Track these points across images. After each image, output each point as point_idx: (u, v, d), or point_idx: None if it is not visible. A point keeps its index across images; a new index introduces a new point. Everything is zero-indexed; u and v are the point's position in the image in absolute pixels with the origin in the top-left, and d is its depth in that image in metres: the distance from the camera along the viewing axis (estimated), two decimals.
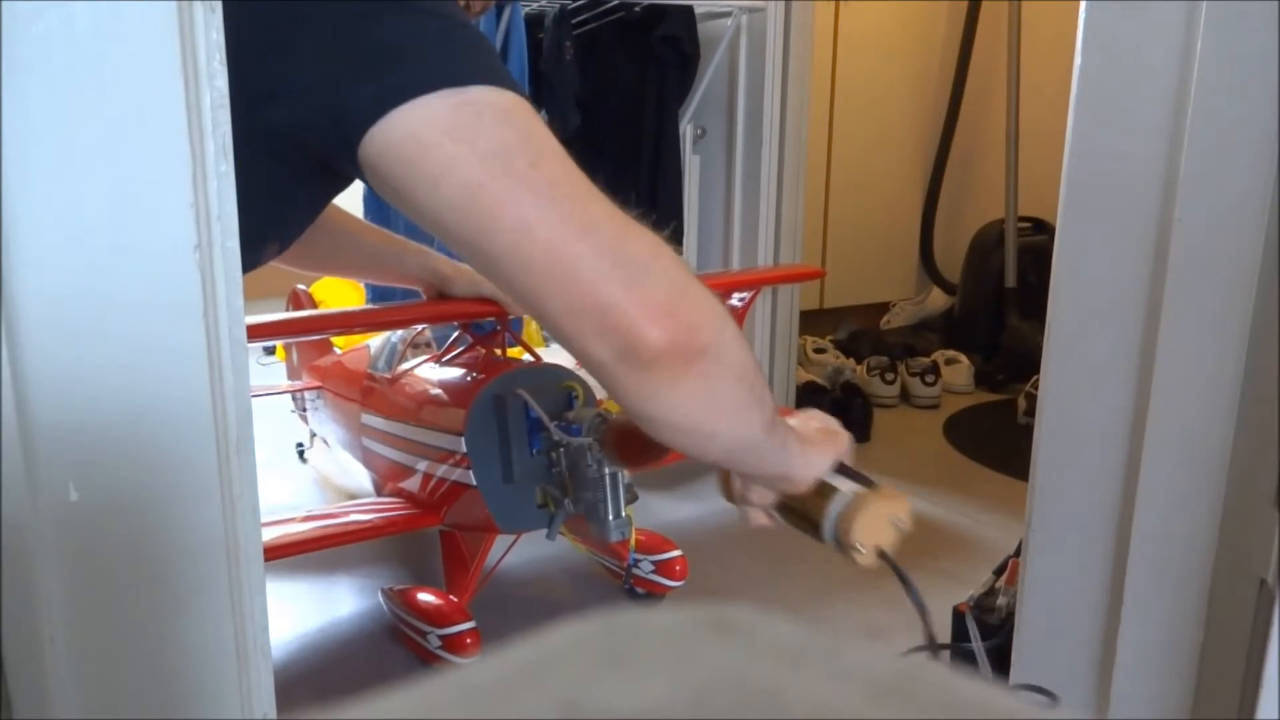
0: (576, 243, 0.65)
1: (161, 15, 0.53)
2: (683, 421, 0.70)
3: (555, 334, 0.69)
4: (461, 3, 0.94)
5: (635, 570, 1.61)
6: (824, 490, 0.80)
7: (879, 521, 0.80)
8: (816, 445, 0.80)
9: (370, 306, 1.93)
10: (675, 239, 2.39)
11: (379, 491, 1.72)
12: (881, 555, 0.81)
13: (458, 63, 0.67)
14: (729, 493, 0.89)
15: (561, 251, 0.64)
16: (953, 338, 3.10)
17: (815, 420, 0.84)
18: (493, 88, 0.67)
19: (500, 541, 1.54)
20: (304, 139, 0.72)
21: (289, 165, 0.75)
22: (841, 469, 0.81)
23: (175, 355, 0.57)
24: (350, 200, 1.24)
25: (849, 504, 0.79)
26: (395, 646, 1.50)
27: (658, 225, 2.43)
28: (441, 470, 1.46)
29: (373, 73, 0.67)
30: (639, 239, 0.67)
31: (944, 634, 1.44)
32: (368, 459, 1.73)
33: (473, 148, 0.65)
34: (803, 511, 0.82)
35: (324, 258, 1.37)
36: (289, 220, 0.87)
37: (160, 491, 0.58)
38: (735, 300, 1.92)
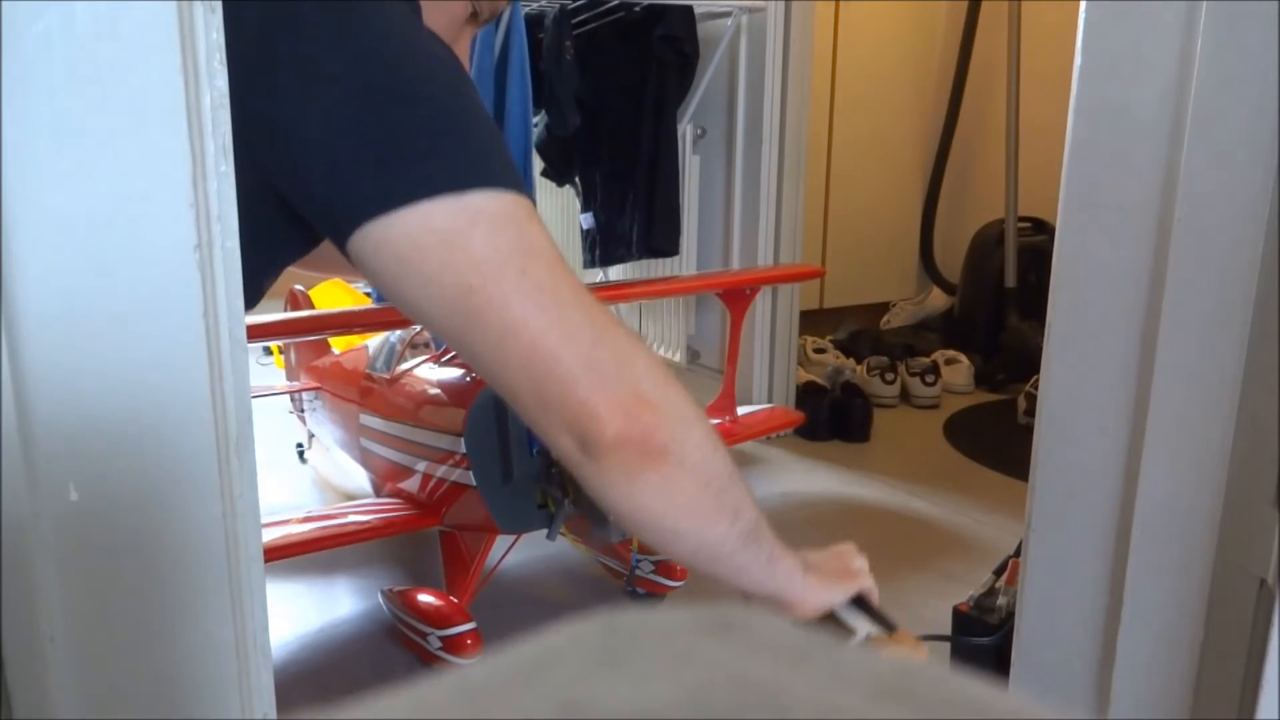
0: (556, 348, 0.68)
1: (161, 15, 0.53)
2: (638, 515, 0.73)
3: (524, 418, 0.73)
4: (471, 9, 0.94)
5: (636, 570, 1.61)
6: (836, 627, 0.78)
7: None
8: (826, 576, 0.80)
9: (369, 307, 1.93)
10: (669, 245, 2.39)
11: (378, 492, 1.72)
12: None
13: (459, 165, 0.69)
14: None
15: (541, 354, 0.69)
16: (953, 338, 3.10)
17: (842, 557, 0.83)
18: (491, 191, 0.69)
19: (500, 542, 1.54)
20: (301, 211, 0.74)
21: (272, 206, 0.76)
22: (862, 605, 0.79)
23: (175, 355, 0.57)
24: None
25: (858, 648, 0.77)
26: (395, 647, 1.50)
27: (654, 227, 2.41)
28: (441, 471, 1.46)
29: (374, 169, 0.69)
30: (613, 342, 0.70)
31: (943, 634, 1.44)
32: (366, 460, 1.73)
33: (466, 255, 0.68)
34: None
35: (330, 260, 1.37)
36: (278, 260, 0.88)
37: (160, 491, 0.58)
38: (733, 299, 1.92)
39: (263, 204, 0.74)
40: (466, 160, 0.70)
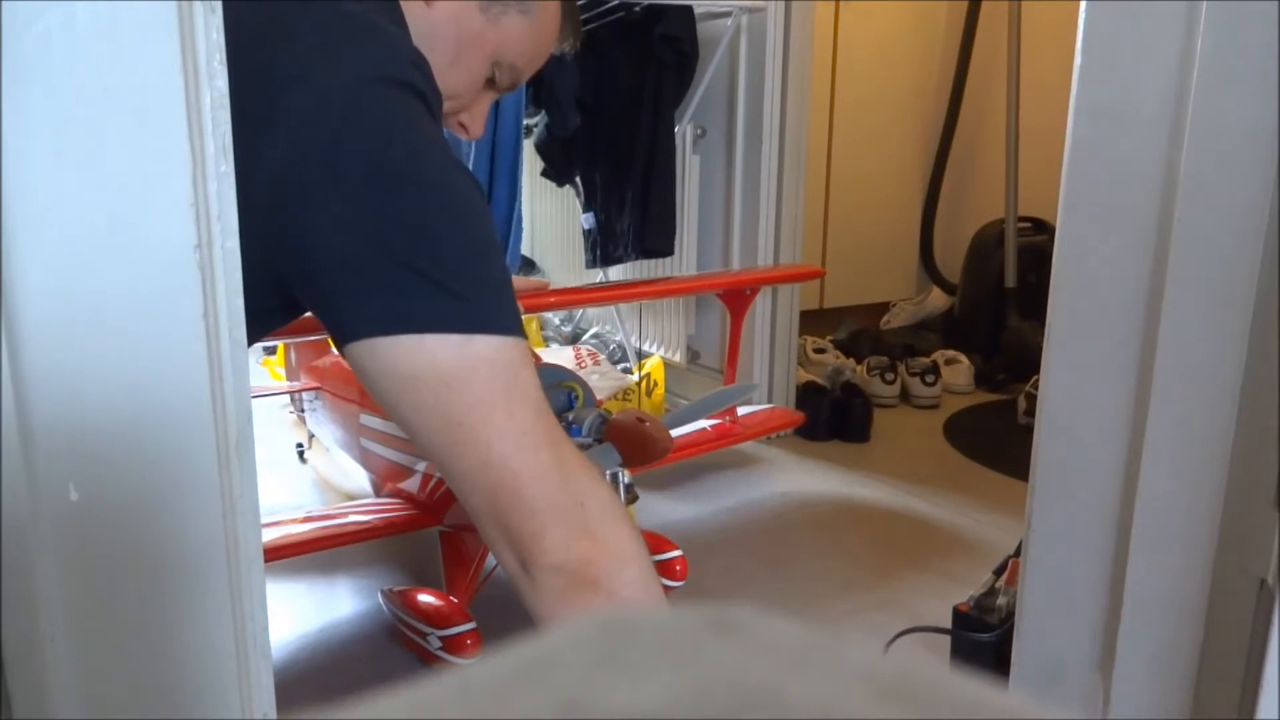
0: (525, 487, 0.75)
1: (161, 15, 0.53)
2: None
3: (476, 526, 0.80)
4: (487, 75, 0.97)
5: None
6: None
7: None
8: None
9: None
10: (664, 246, 2.39)
11: (378, 492, 1.72)
12: None
13: (471, 307, 0.74)
14: None
15: (510, 489, 0.75)
16: (953, 338, 3.10)
17: None
18: (496, 338, 0.74)
19: None
20: (293, 280, 0.77)
21: (275, 298, 0.80)
22: None
23: (175, 355, 0.57)
24: None
25: None
26: (395, 647, 1.50)
27: (648, 228, 2.41)
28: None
29: (389, 287, 0.72)
30: (576, 482, 0.77)
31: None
32: (366, 460, 1.73)
33: (462, 396, 0.74)
34: None
35: None
36: (266, 330, 0.90)
37: (160, 491, 0.58)
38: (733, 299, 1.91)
39: (261, 276, 0.75)
40: (478, 303, 0.75)
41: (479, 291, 0.75)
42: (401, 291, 0.72)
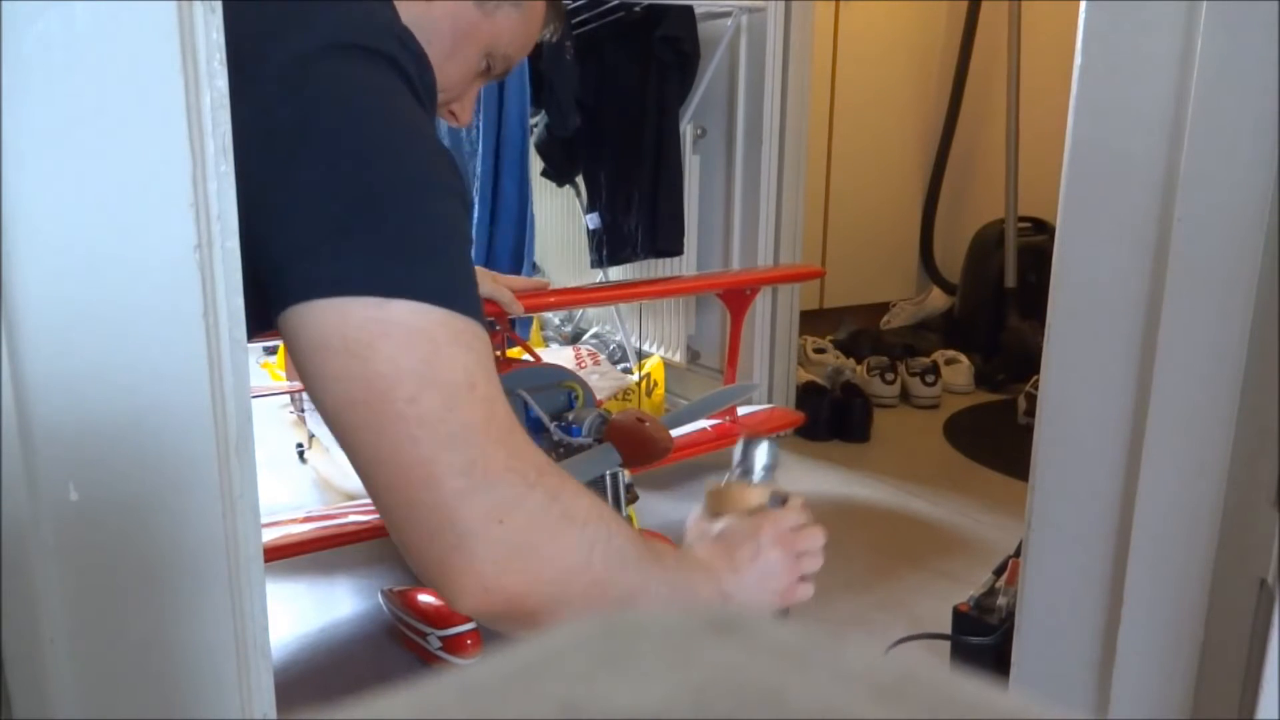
0: (416, 490, 0.64)
1: (161, 15, 0.53)
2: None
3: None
4: (485, 64, 0.93)
5: None
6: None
7: None
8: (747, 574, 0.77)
9: None
10: (674, 245, 2.39)
11: None
12: None
13: (395, 267, 0.66)
14: None
15: (399, 492, 0.65)
16: (953, 338, 3.10)
17: (768, 561, 0.79)
18: (419, 305, 0.65)
19: None
20: (257, 270, 0.70)
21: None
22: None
23: (175, 355, 0.57)
24: None
25: None
26: (395, 647, 1.50)
27: (658, 227, 2.41)
28: None
29: (316, 251, 0.66)
30: (491, 492, 0.65)
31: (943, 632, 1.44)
32: None
33: (364, 368, 0.64)
34: None
35: None
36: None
37: (160, 491, 0.58)
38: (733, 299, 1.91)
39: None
40: (402, 265, 0.66)
41: (413, 256, 0.66)
42: (326, 256, 0.65)
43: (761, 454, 0.81)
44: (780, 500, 0.81)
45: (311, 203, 0.67)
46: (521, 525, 0.65)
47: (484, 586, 0.65)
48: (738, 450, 0.81)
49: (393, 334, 0.64)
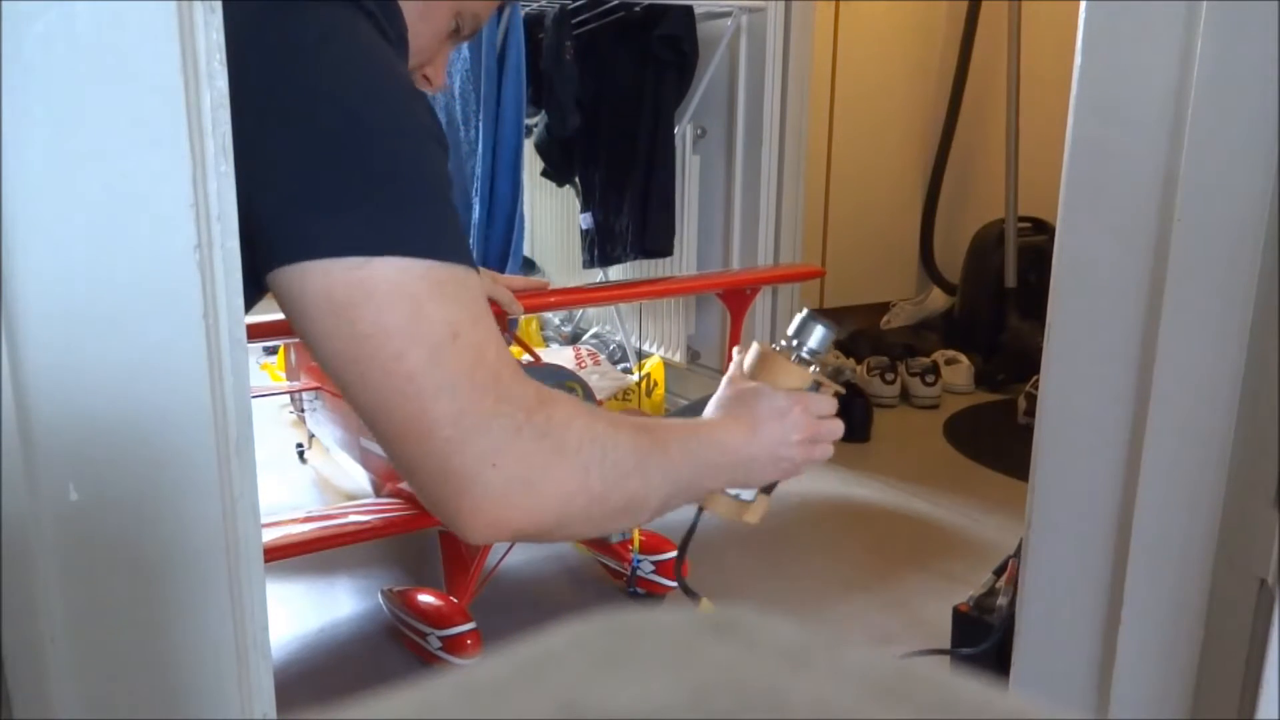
0: (414, 443, 0.68)
1: (161, 15, 0.53)
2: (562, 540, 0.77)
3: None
4: (455, 25, 0.93)
5: (636, 570, 1.61)
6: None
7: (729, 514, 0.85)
8: (756, 471, 0.83)
9: None
10: (664, 246, 2.39)
11: (378, 492, 1.72)
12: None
13: (380, 222, 0.67)
14: None
15: (400, 443, 0.69)
16: (953, 338, 3.10)
17: (783, 422, 0.83)
18: (403, 260, 0.67)
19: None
20: (245, 233, 0.72)
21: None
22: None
23: (175, 355, 0.57)
24: None
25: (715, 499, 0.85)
26: (395, 647, 1.50)
27: (648, 228, 2.41)
28: None
29: (299, 211, 0.67)
30: (484, 437, 0.68)
31: (943, 633, 1.44)
32: (366, 459, 1.73)
33: (352, 328, 0.66)
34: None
35: None
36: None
37: (160, 491, 0.58)
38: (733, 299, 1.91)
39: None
40: (387, 220, 0.67)
41: (397, 208, 0.68)
42: (307, 216, 0.66)
43: (815, 337, 0.83)
44: (815, 386, 0.84)
45: (289, 161, 0.67)
46: (515, 465, 0.69)
47: (488, 523, 0.69)
48: (795, 323, 0.84)
49: (375, 294, 0.66)
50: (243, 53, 0.67)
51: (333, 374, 0.70)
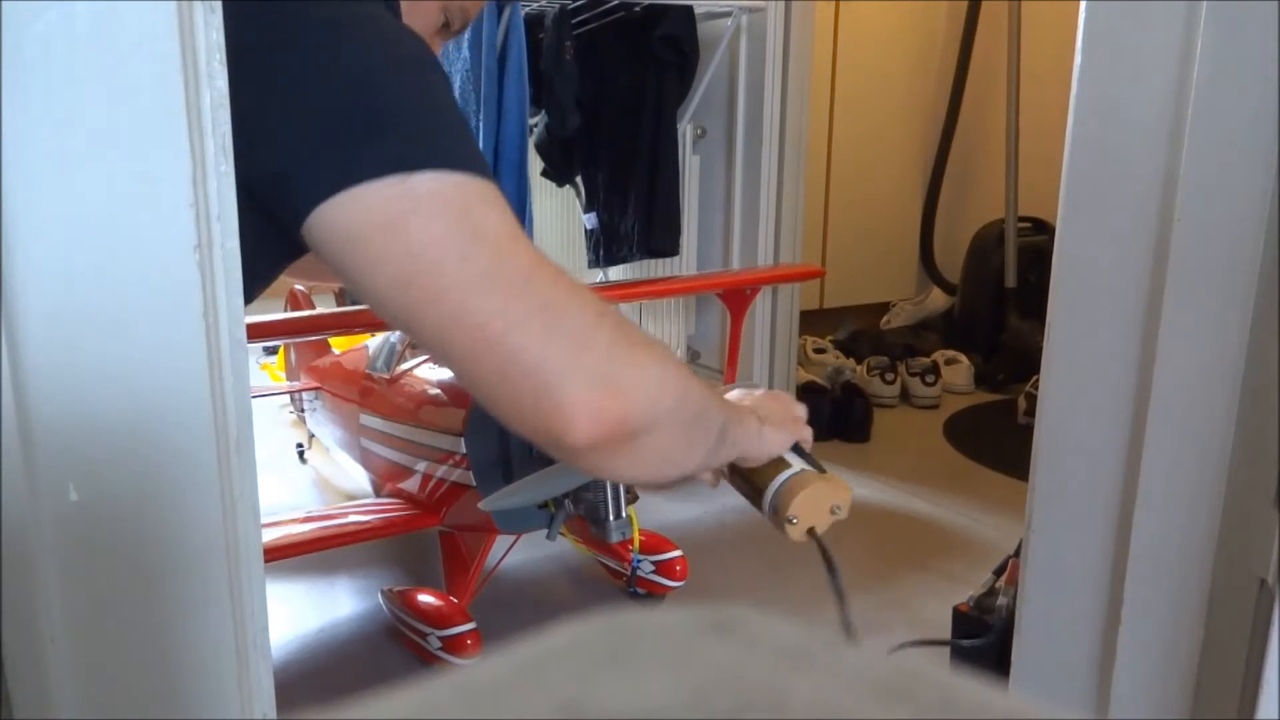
0: (499, 342, 0.65)
1: (161, 15, 0.53)
2: (631, 478, 0.74)
3: (491, 410, 0.70)
4: (444, 19, 0.93)
5: (636, 570, 1.61)
6: (776, 463, 0.84)
7: (818, 501, 0.84)
8: (775, 425, 0.83)
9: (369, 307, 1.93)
10: (670, 245, 2.39)
11: (378, 492, 1.72)
12: (811, 533, 0.84)
13: (406, 146, 0.66)
14: None
15: (483, 350, 0.65)
16: (953, 338, 3.10)
17: (780, 402, 0.86)
18: (436, 172, 0.66)
19: (500, 542, 1.54)
20: (265, 203, 0.71)
21: (250, 214, 0.75)
22: (798, 451, 0.85)
23: (175, 355, 0.57)
24: None
25: (794, 477, 0.82)
26: (395, 647, 1.50)
27: (653, 227, 2.40)
28: (441, 471, 1.46)
29: (322, 149, 0.66)
30: (568, 327, 0.66)
31: (943, 634, 1.44)
32: (366, 460, 1.73)
33: (404, 243, 0.65)
34: (751, 479, 0.86)
35: (322, 268, 1.36)
36: (259, 274, 0.87)
37: (160, 492, 0.58)
38: (733, 299, 1.92)
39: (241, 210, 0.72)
40: (412, 141, 0.67)
41: (414, 131, 0.67)
42: (333, 151, 0.66)
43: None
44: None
45: (299, 107, 0.67)
46: (604, 351, 0.67)
47: (590, 414, 0.66)
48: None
49: (422, 205, 0.65)
50: (234, 20, 0.67)
51: (391, 306, 0.67)
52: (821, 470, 0.84)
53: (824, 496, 0.82)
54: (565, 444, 0.67)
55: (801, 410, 0.87)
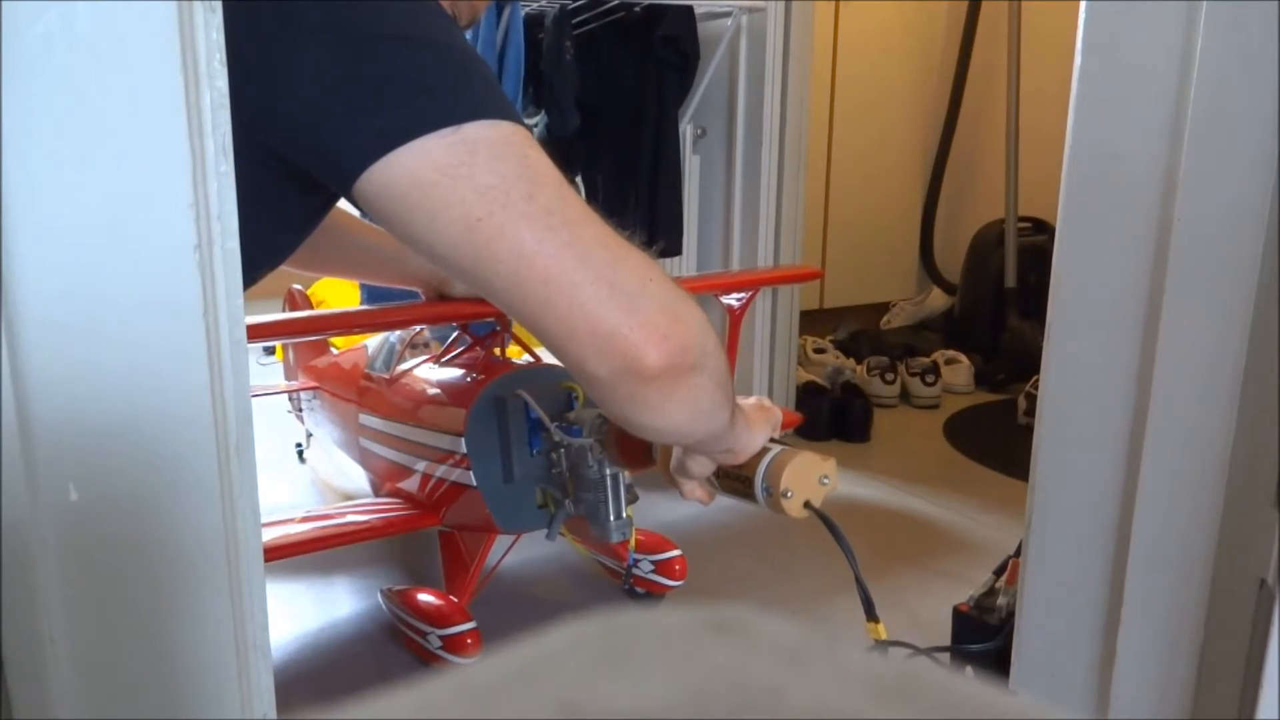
0: (574, 272, 0.68)
1: (161, 15, 0.53)
2: (667, 426, 0.77)
3: (555, 353, 0.73)
4: (450, 11, 0.94)
5: (635, 570, 1.61)
6: (759, 454, 0.89)
7: (806, 472, 0.90)
8: (756, 421, 0.89)
9: (369, 307, 1.93)
10: (673, 245, 2.39)
11: (377, 492, 1.72)
12: (808, 506, 0.88)
13: (453, 100, 0.68)
14: (665, 466, 0.98)
15: (560, 281, 0.68)
16: (953, 338, 3.10)
17: (748, 400, 0.92)
18: (488, 121, 0.68)
19: (500, 542, 1.54)
20: (296, 161, 0.73)
21: (280, 180, 0.75)
22: (772, 441, 0.92)
23: (175, 355, 0.57)
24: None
25: (778, 456, 0.88)
26: (395, 647, 1.50)
27: (657, 227, 2.41)
28: (441, 471, 1.46)
29: (368, 113, 0.68)
30: (631, 262, 0.70)
31: (943, 635, 1.44)
32: (365, 459, 1.72)
33: (470, 184, 0.67)
34: (737, 475, 0.90)
35: (326, 259, 1.37)
36: (282, 243, 0.88)
37: (160, 492, 0.58)
38: (733, 299, 1.92)
39: (270, 177, 0.73)
40: (461, 94, 0.69)
41: (460, 84, 0.69)
42: (381, 109, 0.67)
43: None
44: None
45: (342, 64, 0.68)
46: (664, 283, 0.72)
47: (662, 335, 0.70)
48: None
49: (479, 150, 0.67)
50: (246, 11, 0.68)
51: (458, 251, 0.69)
52: (789, 448, 0.91)
53: (811, 467, 0.88)
54: (642, 365, 0.70)
55: (767, 401, 0.94)
